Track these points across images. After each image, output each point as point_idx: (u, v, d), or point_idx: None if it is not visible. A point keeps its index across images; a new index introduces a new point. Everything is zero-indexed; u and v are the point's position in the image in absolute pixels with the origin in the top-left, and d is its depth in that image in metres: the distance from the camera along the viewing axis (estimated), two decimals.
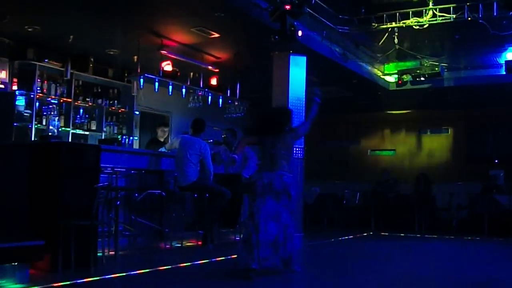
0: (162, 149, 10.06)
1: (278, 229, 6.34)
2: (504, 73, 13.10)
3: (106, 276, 6.11)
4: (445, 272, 7.48)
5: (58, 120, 10.83)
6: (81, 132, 11.88)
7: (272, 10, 9.43)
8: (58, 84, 11.33)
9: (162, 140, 10.90)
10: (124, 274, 6.30)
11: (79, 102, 11.78)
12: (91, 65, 11.87)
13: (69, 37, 10.59)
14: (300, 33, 9.82)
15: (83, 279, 5.83)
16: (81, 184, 6.55)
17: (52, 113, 11.01)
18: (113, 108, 12.45)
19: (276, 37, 9.82)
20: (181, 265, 7.15)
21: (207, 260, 7.62)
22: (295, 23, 9.80)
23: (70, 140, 11.17)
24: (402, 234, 12.82)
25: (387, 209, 14.21)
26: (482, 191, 13.98)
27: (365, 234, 12.87)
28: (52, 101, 11.25)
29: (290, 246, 6.43)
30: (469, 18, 10.47)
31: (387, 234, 12.85)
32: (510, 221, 12.73)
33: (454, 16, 10.59)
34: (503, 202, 12.98)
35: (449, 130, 17.34)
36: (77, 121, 11.77)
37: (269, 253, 6.27)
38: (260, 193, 6.41)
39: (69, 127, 11.44)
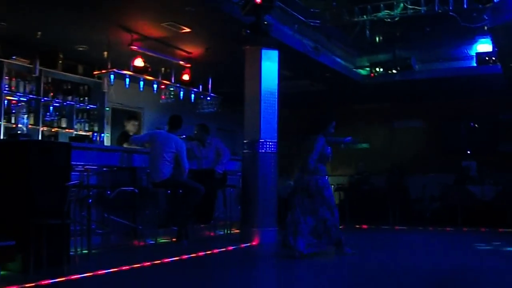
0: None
1: (316, 221, 7.70)
2: (475, 65, 13.21)
3: (80, 275, 6.02)
4: (419, 263, 7.54)
5: (27, 118, 10.66)
6: (51, 130, 11.70)
7: (243, 4, 9.36)
8: (26, 82, 11.10)
9: (131, 134, 10.74)
10: (98, 272, 6.22)
11: (48, 99, 11.59)
12: (60, 61, 11.68)
13: (37, 33, 10.42)
14: (271, 27, 9.78)
15: (56, 278, 5.77)
16: (52, 183, 6.49)
17: (21, 111, 10.81)
18: (84, 105, 12.27)
19: (248, 31, 9.77)
20: (156, 262, 7.07)
21: (181, 257, 7.57)
22: (267, 16, 9.76)
23: (40, 138, 10.99)
24: (376, 226, 12.87)
25: (361, 201, 14.27)
26: (455, 182, 14.09)
27: (340, 226, 12.84)
28: (21, 98, 11.04)
29: (334, 234, 7.84)
30: (440, 11, 10.53)
31: (361, 226, 12.89)
32: (483, 211, 12.87)
33: (424, 8, 10.63)
34: (476, 193, 13.08)
35: (422, 122, 17.44)
36: (46, 118, 11.58)
37: (313, 240, 7.66)
38: (298, 193, 7.87)
39: (38, 125, 11.24)
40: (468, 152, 15.80)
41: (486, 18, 10.48)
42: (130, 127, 10.80)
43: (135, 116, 11.68)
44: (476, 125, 16.53)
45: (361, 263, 7.58)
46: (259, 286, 6.27)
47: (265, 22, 9.58)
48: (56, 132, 11.80)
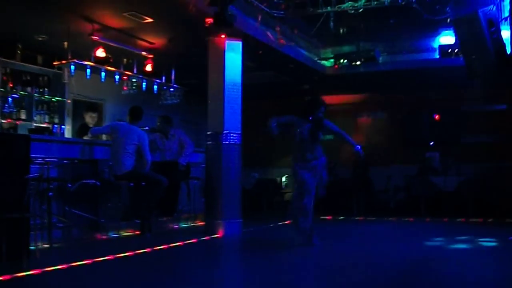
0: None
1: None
2: (438, 57, 13.31)
3: (40, 270, 5.91)
4: (382, 253, 7.59)
5: None
6: (10, 122, 11.44)
7: None
8: None
9: (91, 126, 10.56)
10: (59, 266, 6.11)
11: (7, 90, 11.32)
12: (18, 51, 11.42)
13: None
14: (235, 18, 9.69)
15: (16, 273, 5.66)
16: (10, 176, 6.38)
17: None
18: (44, 96, 12.03)
19: (211, 22, 9.67)
20: (118, 255, 6.97)
21: (144, 250, 7.48)
22: (230, 7, 9.67)
23: None
24: (341, 217, 12.93)
25: (326, 193, 14.28)
26: (418, 173, 14.22)
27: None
28: None
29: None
30: (403, 3, 10.56)
31: (326, 217, 12.93)
32: (445, 201, 13.03)
33: (388, 0, 10.65)
34: (439, 184, 13.23)
35: (385, 113, 17.56)
36: (5, 110, 11.30)
37: None
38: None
39: None
40: (431, 143, 15.98)
41: (449, 10, 10.54)
42: (88, 119, 10.61)
43: (93, 107, 11.44)
44: (439, 117, 16.70)
45: (324, 254, 7.59)
46: (223, 278, 6.21)
47: (228, 13, 9.48)
48: (15, 124, 11.56)
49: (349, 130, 17.54)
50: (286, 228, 11.09)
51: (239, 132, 9.81)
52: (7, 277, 5.48)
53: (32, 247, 6.67)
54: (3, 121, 11.19)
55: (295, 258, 7.38)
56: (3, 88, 11.18)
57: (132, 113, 9.26)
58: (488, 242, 8.98)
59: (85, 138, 9.79)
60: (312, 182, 7.83)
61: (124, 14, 9.95)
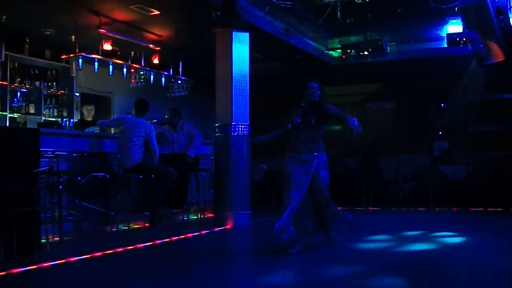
0: (92, 129, 9.82)
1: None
2: (446, 46, 13.25)
3: (51, 263, 5.94)
4: (388, 242, 7.57)
5: None
6: (19, 116, 11.49)
7: None
8: None
9: (89, 119, 10.51)
10: (70, 259, 6.14)
11: (15, 85, 11.37)
12: (27, 46, 11.48)
13: (1, 16, 10.18)
14: (242, 9, 9.68)
15: (27, 266, 5.68)
16: (21, 170, 6.41)
17: None
18: (52, 90, 12.07)
19: (218, 13, 9.66)
20: (129, 248, 7.00)
21: (154, 242, 7.51)
22: None
23: (7, 124, 10.81)
24: (350, 208, 12.91)
25: (335, 184, 14.21)
26: (431, 164, 14.18)
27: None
28: None
29: None
30: None
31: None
32: (454, 191, 12.99)
33: None
34: (448, 173, 13.20)
35: (394, 103, 17.51)
36: (14, 104, 11.37)
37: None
38: None
39: (6, 111, 11.04)
40: (440, 133, 15.94)
41: None
42: (85, 112, 10.53)
43: (89, 100, 11.36)
44: (447, 106, 16.64)
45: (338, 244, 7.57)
46: (233, 269, 6.23)
47: (234, 4, 9.47)
48: (24, 118, 11.61)
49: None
50: None
51: (247, 123, 9.80)
52: (18, 270, 5.51)
53: (43, 240, 6.70)
54: (12, 115, 11.23)
55: (305, 249, 7.36)
56: (12, 83, 11.22)
57: (138, 106, 9.26)
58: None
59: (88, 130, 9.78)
60: (301, 177, 6.68)
61: (131, 6, 9.99)
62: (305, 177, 6.68)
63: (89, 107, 10.78)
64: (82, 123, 10.40)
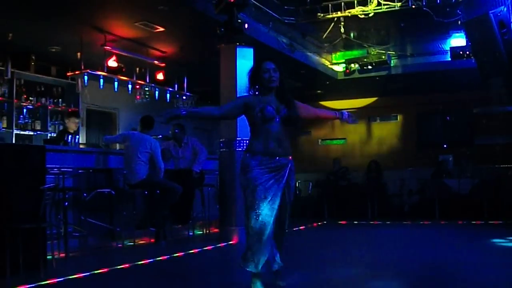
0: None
1: None
2: (450, 59, 13.27)
3: (57, 279, 5.94)
4: (399, 257, 7.55)
5: (0, 121, 10.53)
6: (25, 133, 11.56)
7: (217, 2, 9.32)
8: None
9: (72, 131, 10.28)
10: (76, 276, 6.14)
11: (21, 102, 11.45)
12: (32, 63, 11.58)
13: (8, 34, 10.27)
14: (246, 25, 9.74)
15: (33, 283, 5.68)
16: (26, 186, 6.40)
17: None
18: (58, 107, 12.14)
19: (222, 29, 9.72)
20: (134, 263, 7.01)
21: (159, 258, 7.52)
22: (241, 14, 9.72)
23: (13, 141, 10.86)
24: (355, 222, 12.91)
25: (340, 197, 14.31)
26: (432, 176, 14.18)
27: (319, 223, 12.92)
28: None
29: None
30: (413, 6, 10.60)
31: (340, 222, 12.93)
32: (460, 204, 12.97)
33: (398, 4, 10.70)
34: (453, 186, 13.19)
35: (398, 117, 17.56)
36: (20, 121, 11.45)
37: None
38: None
39: (12, 128, 11.11)
40: (445, 146, 15.96)
41: (460, 12, 10.56)
42: (71, 124, 10.35)
43: (76, 113, 11.27)
44: (452, 119, 16.65)
45: (342, 259, 7.58)
46: (238, 285, 6.23)
47: (239, 20, 9.53)
48: (30, 135, 11.67)
49: (361, 134, 17.76)
50: (302, 233, 11.12)
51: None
52: (24, 287, 5.53)
53: (48, 257, 6.71)
54: (18, 132, 11.29)
55: (312, 263, 7.37)
56: (18, 99, 11.30)
57: (143, 122, 9.30)
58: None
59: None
60: (274, 189, 5.03)
61: (135, 23, 10.08)
62: (278, 189, 5.06)
63: (76, 120, 10.43)
64: (63, 134, 10.02)
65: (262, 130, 5.10)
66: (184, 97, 13.30)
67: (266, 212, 4.94)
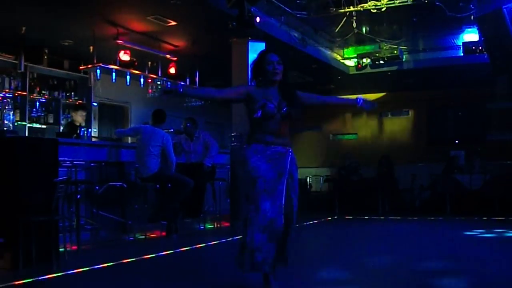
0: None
1: None
2: (462, 54, 13.21)
3: (69, 272, 5.99)
4: (410, 253, 7.54)
5: (13, 114, 10.53)
6: (38, 126, 11.62)
7: None
8: (12, 78, 11.03)
9: (78, 124, 10.24)
10: (88, 268, 6.18)
11: (34, 95, 11.51)
12: (45, 57, 11.61)
13: (21, 28, 10.31)
14: (258, 19, 9.74)
15: (46, 275, 5.74)
16: (39, 179, 6.43)
17: (6, 107, 10.67)
18: (70, 100, 12.19)
19: (234, 23, 9.72)
20: (146, 257, 7.04)
21: (171, 251, 7.55)
22: (253, 9, 9.71)
23: (26, 134, 10.92)
24: (366, 217, 12.90)
25: (351, 192, 14.30)
26: (443, 172, 14.13)
27: (330, 218, 12.92)
28: (7, 95, 10.93)
29: None
30: (426, 1, 10.55)
31: (351, 217, 12.92)
32: (471, 200, 12.94)
33: None
34: (464, 182, 13.15)
35: (410, 112, 17.53)
36: (33, 114, 11.51)
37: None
38: None
39: (25, 121, 11.16)
40: (456, 141, 15.90)
41: (473, 7, 10.49)
42: (78, 117, 10.34)
43: (83, 106, 11.28)
44: (464, 115, 16.59)
45: (356, 255, 7.57)
46: (248, 280, 6.24)
47: (250, 14, 9.53)
48: (43, 128, 11.73)
49: (373, 129, 17.72)
50: (313, 228, 11.11)
51: None
52: (37, 279, 5.57)
53: (61, 249, 6.75)
54: (31, 125, 11.35)
55: (324, 257, 7.38)
56: (31, 93, 11.36)
57: (155, 116, 9.32)
58: None
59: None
60: (273, 181, 4.77)
61: (148, 17, 10.09)
62: (279, 183, 4.78)
63: (84, 113, 10.41)
64: (72, 128, 10.09)
65: (261, 124, 4.94)
66: None
67: (269, 207, 4.69)
